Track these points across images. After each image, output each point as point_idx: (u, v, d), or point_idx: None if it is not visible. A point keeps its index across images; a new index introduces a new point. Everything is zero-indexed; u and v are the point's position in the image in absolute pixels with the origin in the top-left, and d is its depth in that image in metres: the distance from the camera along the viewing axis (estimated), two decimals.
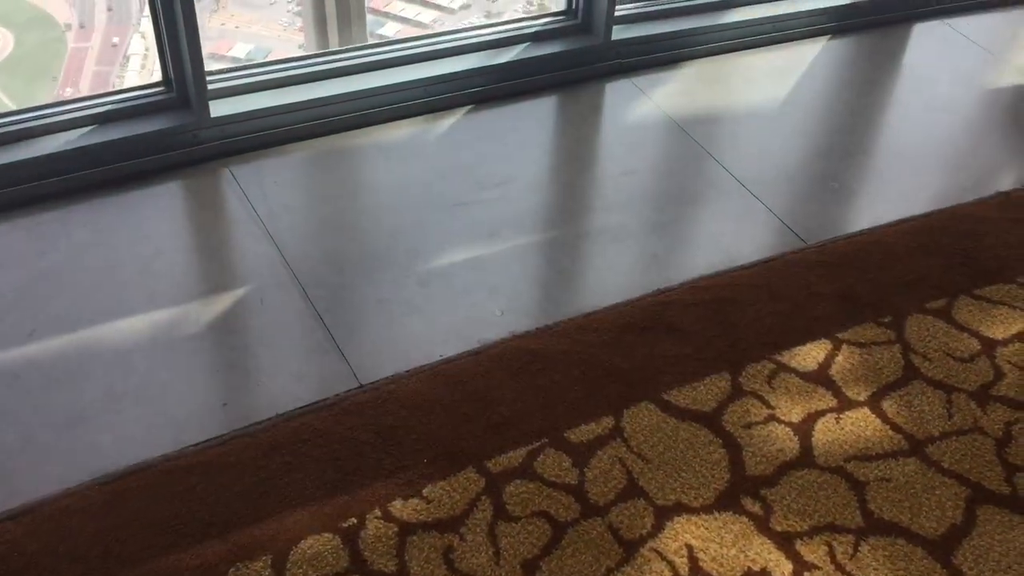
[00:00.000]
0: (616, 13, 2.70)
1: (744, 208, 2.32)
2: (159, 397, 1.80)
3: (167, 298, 1.99)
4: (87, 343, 1.89)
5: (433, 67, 2.58)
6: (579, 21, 2.73)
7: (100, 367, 1.84)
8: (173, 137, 2.28)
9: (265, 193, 2.24)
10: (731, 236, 2.25)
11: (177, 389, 1.81)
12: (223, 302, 1.99)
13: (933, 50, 2.97)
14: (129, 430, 1.74)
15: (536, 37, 2.70)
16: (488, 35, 2.68)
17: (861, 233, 2.26)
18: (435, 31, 2.72)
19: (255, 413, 1.77)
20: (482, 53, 2.65)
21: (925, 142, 2.59)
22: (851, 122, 2.66)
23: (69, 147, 2.20)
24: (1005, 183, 2.46)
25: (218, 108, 2.32)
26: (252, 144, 2.36)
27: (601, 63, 2.72)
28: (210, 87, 2.31)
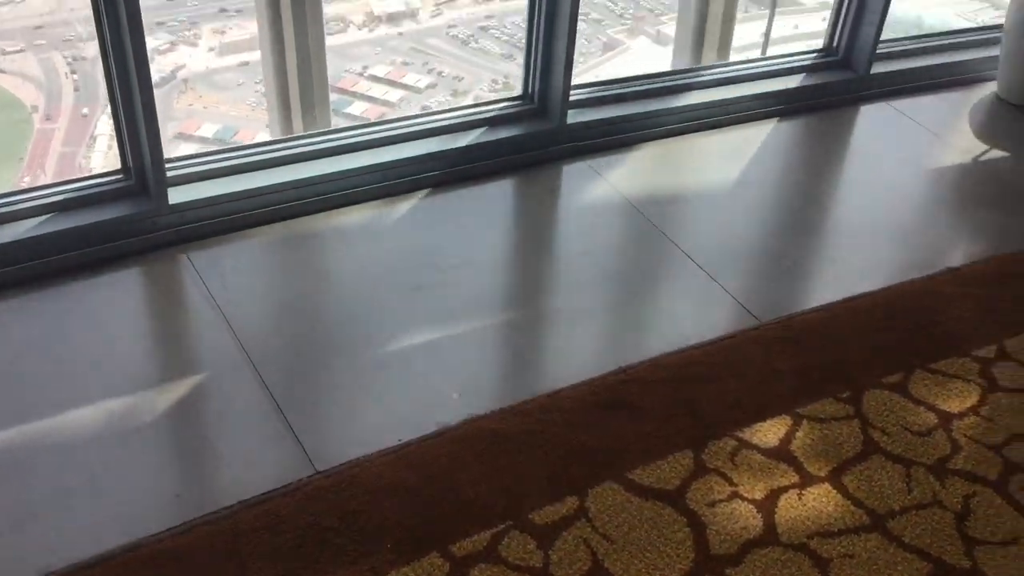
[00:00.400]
0: (571, 98, 2.75)
1: (699, 287, 2.35)
2: (112, 490, 1.76)
3: (122, 387, 1.96)
4: (39, 436, 1.85)
5: (391, 152, 2.61)
6: (535, 105, 2.78)
7: (51, 461, 1.80)
8: (131, 225, 2.27)
9: (223, 279, 2.24)
10: (688, 315, 2.27)
11: (130, 481, 1.78)
12: (178, 390, 1.96)
13: (879, 131, 3.06)
14: (80, 526, 1.69)
15: (493, 121, 2.75)
16: (445, 120, 2.72)
17: (816, 310, 2.29)
18: (394, 116, 2.76)
19: (210, 503, 1.73)
20: (440, 137, 2.68)
21: (875, 220, 2.65)
22: (802, 201, 2.73)
23: (26, 236, 2.18)
24: (954, 259, 2.51)
25: (177, 195, 2.32)
26: (211, 230, 2.36)
27: (557, 146, 2.77)
28: (169, 174, 2.31)
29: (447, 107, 2.79)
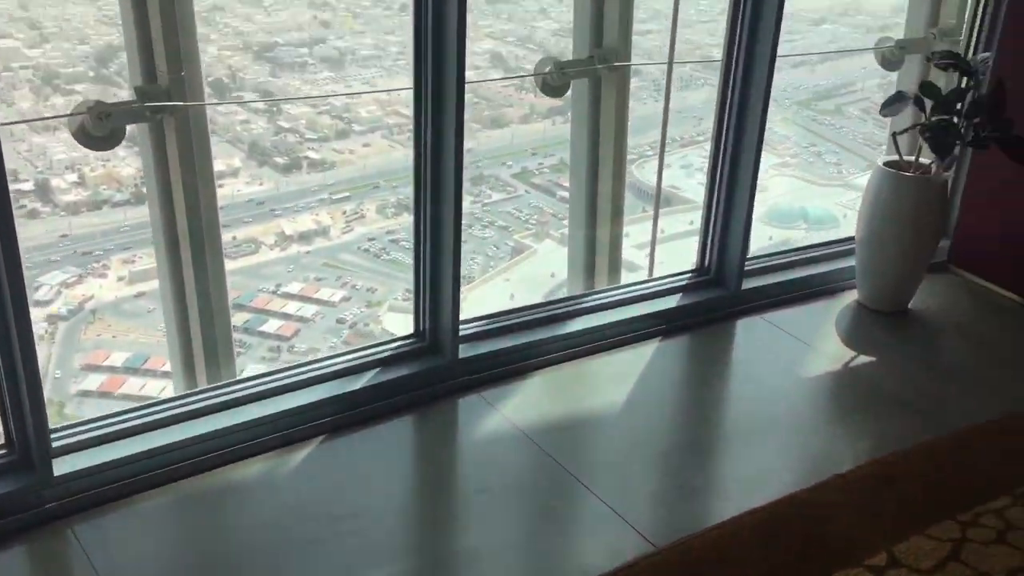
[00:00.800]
0: (461, 332, 2.84)
1: (596, 516, 2.37)
2: None
3: None
4: None
5: (285, 400, 2.62)
6: (427, 343, 2.85)
7: None
8: (12, 502, 2.20)
9: (109, 554, 2.16)
10: (587, 547, 2.28)
11: None
12: None
13: (754, 344, 3.22)
14: None
15: (386, 362, 2.80)
16: (339, 364, 2.76)
17: (710, 530, 2.33)
18: (287, 364, 2.80)
19: None
20: (333, 382, 2.72)
21: (760, 432, 2.74)
22: (688, 418, 2.82)
23: None
24: (841, 465, 2.59)
25: (62, 465, 2.27)
26: (99, 499, 2.29)
27: (451, 381, 2.83)
28: (55, 444, 2.28)
29: (341, 351, 2.84)
